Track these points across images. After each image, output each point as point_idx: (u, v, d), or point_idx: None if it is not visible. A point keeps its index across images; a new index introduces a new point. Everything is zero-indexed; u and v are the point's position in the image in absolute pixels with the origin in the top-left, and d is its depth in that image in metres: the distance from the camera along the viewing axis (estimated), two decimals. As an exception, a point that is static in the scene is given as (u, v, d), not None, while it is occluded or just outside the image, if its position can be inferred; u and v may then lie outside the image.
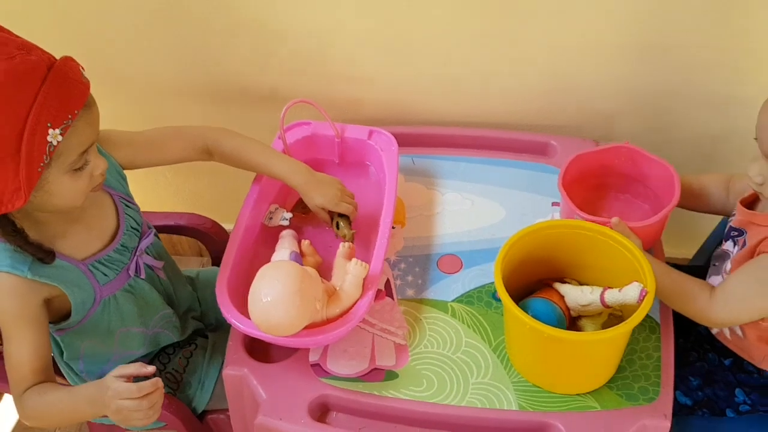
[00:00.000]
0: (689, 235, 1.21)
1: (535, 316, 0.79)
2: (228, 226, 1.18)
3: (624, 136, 1.20)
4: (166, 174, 1.45)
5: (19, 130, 0.68)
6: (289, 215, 1.05)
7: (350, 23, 1.13)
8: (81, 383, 0.94)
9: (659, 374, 0.87)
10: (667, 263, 0.93)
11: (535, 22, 1.09)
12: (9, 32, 0.72)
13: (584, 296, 0.85)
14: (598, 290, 0.85)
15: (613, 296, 0.82)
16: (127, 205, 0.94)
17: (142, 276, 0.95)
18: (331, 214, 1.02)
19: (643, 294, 0.78)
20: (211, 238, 1.19)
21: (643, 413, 0.83)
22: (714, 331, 0.98)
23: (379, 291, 0.99)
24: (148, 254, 0.96)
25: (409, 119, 1.24)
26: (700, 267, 1.06)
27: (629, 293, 0.80)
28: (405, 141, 1.15)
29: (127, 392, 0.74)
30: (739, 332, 0.94)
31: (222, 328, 1.12)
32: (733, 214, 0.93)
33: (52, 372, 0.86)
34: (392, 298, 0.99)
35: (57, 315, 0.88)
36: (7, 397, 1.43)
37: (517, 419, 0.84)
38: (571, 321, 0.89)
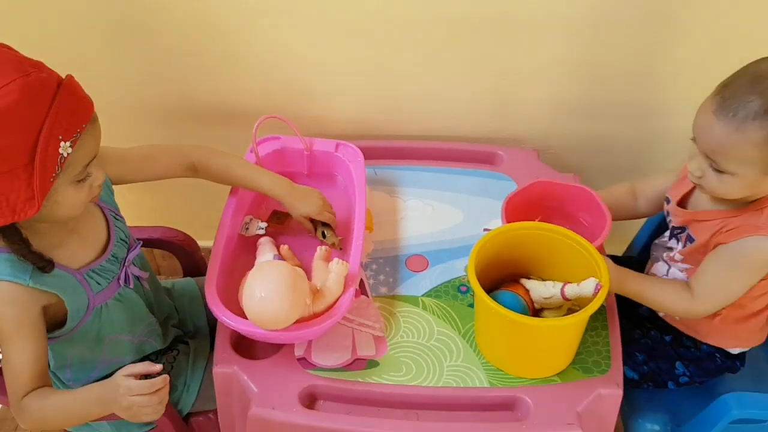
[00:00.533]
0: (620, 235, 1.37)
1: (503, 306, 0.89)
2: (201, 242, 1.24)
3: (561, 145, 1.35)
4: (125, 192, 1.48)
5: (33, 142, 0.73)
6: (264, 224, 1.12)
7: (319, 47, 1.22)
8: None
9: (609, 350, 0.99)
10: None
11: (483, 49, 1.21)
12: (17, 52, 0.77)
13: (547, 290, 0.96)
14: (558, 285, 0.95)
15: (572, 290, 0.93)
16: (115, 218, 0.99)
17: (131, 285, 0.99)
18: (314, 223, 1.10)
19: (598, 288, 0.89)
20: (183, 251, 1.24)
21: (598, 384, 0.94)
22: (661, 313, 1.11)
23: (355, 290, 1.07)
24: (134, 265, 1.01)
25: (371, 134, 1.34)
26: (636, 259, 1.21)
27: (586, 287, 0.91)
28: (367, 154, 1.24)
29: (138, 389, 0.79)
30: None
31: (200, 334, 1.17)
32: (667, 213, 1.07)
33: (49, 378, 0.89)
34: (367, 296, 1.07)
35: (49, 324, 0.91)
36: None
37: (489, 395, 0.94)
38: (535, 313, 1.00)
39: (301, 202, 1.07)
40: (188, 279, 1.23)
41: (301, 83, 1.28)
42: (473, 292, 0.95)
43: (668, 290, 1.00)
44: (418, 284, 1.09)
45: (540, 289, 0.97)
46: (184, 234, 1.23)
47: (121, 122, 1.32)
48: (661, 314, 1.10)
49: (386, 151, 1.30)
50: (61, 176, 0.78)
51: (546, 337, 0.92)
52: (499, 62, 1.24)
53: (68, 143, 0.75)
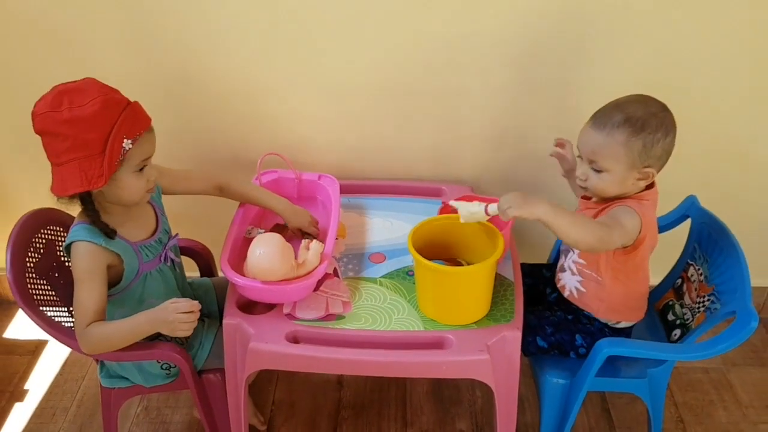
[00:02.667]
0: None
1: (432, 266, 1.27)
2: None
3: (489, 182, 1.77)
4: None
5: (106, 137, 1.12)
6: (263, 231, 1.51)
7: (311, 107, 1.67)
8: None
9: (513, 307, 1.34)
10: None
11: (432, 112, 1.66)
12: (102, 82, 1.18)
13: (473, 206, 1.24)
14: (483, 204, 1.24)
15: (492, 209, 1.21)
16: (162, 214, 1.38)
17: (168, 264, 1.36)
18: (303, 234, 1.49)
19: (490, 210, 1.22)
20: (201, 257, 1.62)
21: (504, 328, 1.29)
22: (565, 294, 1.43)
23: (329, 275, 1.44)
24: (171, 252, 1.38)
25: (347, 175, 1.76)
26: (551, 264, 1.57)
27: (494, 208, 1.21)
28: (344, 189, 1.65)
29: (184, 306, 1.16)
30: (583, 289, 1.39)
31: (212, 316, 1.51)
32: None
33: (106, 316, 1.24)
34: (339, 278, 1.44)
35: (108, 284, 1.27)
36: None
37: (423, 335, 1.29)
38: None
39: (296, 218, 1.48)
40: (204, 278, 1.60)
41: (298, 136, 1.72)
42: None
43: (585, 222, 1.22)
44: (378, 270, 1.46)
45: (468, 207, 1.26)
46: (202, 244, 1.62)
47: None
48: (565, 294, 1.44)
49: (358, 187, 1.71)
50: (125, 165, 1.17)
51: (462, 284, 1.27)
52: (445, 123, 1.69)
53: (130, 141, 1.15)
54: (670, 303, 1.53)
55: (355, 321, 1.32)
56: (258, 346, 1.26)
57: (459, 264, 1.40)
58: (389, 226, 1.60)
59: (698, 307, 1.42)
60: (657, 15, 1.49)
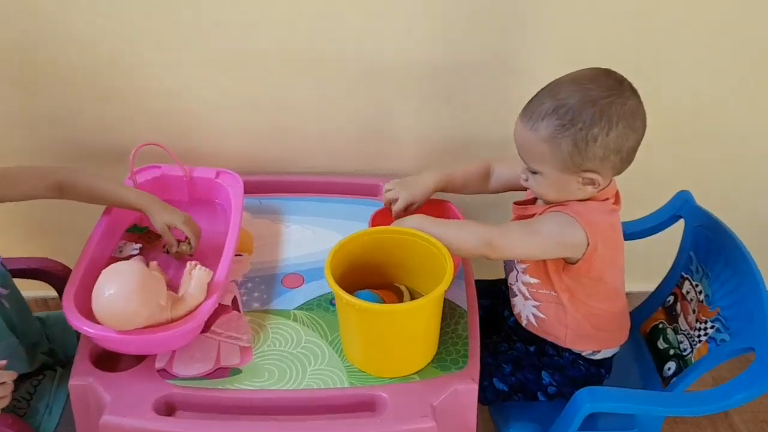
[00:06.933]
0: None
1: (357, 301, 0.92)
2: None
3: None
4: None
5: None
6: (138, 246, 1.14)
7: (203, 82, 1.29)
8: None
9: (467, 348, 1.02)
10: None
11: (364, 92, 1.32)
12: None
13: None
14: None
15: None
16: None
17: None
18: (178, 241, 1.12)
19: None
20: (62, 281, 1.23)
21: (455, 379, 0.97)
22: (523, 322, 1.15)
23: (225, 307, 1.08)
24: None
25: (260, 170, 1.40)
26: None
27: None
28: (254, 187, 1.30)
29: None
30: (542, 315, 1.11)
31: (70, 363, 1.13)
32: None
33: None
34: (239, 311, 1.08)
35: None
36: None
37: (348, 394, 0.95)
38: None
39: (164, 211, 1.09)
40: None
41: (189, 119, 1.34)
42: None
43: (469, 225, 1.03)
44: (292, 299, 1.11)
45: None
46: (62, 264, 1.23)
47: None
48: (523, 323, 1.14)
49: (271, 185, 1.35)
50: None
51: (397, 325, 0.94)
52: (378, 104, 1.34)
53: None
54: (660, 326, 1.25)
55: (255, 377, 0.97)
56: (112, 420, 0.90)
57: (398, 291, 1.06)
58: (311, 236, 1.25)
59: (698, 335, 1.14)
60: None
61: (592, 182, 0.97)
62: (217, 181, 1.25)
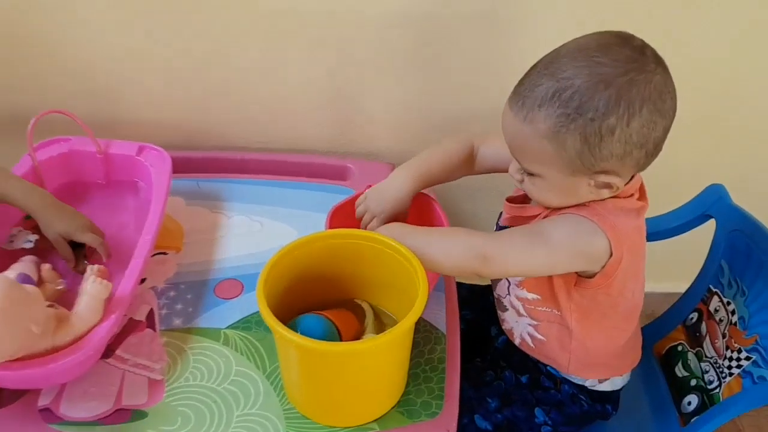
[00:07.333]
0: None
1: (302, 333, 0.69)
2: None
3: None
4: None
5: None
6: (34, 237, 0.92)
7: (124, 28, 1.06)
8: None
9: (443, 386, 0.80)
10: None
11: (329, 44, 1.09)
12: None
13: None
14: None
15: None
16: None
17: None
18: (77, 254, 0.89)
19: None
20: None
21: (425, 430, 0.75)
22: (516, 341, 0.95)
23: (138, 323, 0.86)
24: None
25: (197, 144, 1.17)
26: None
27: None
28: (189, 167, 1.08)
29: None
30: (541, 336, 0.91)
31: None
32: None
33: None
34: (154, 330, 0.85)
35: None
36: None
37: (286, 452, 0.73)
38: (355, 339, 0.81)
39: (57, 218, 0.86)
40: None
41: (108, 79, 1.10)
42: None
43: (456, 233, 0.82)
44: (225, 314, 0.88)
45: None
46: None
47: None
48: (516, 341, 0.93)
49: (209, 163, 1.13)
50: None
51: (348, 368, 0.71)
52: (349, 66, 1.11)
53: None
54: (680, 348, 1.06)
55: (164, 422, 0.75)
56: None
57: (358, 310, 0.84)
58: (258, 231, 1.03)
59: (728, 366, 0.94)
60: None
61: (608, 185, 0.75)
62: (138, 158, 1.01)
